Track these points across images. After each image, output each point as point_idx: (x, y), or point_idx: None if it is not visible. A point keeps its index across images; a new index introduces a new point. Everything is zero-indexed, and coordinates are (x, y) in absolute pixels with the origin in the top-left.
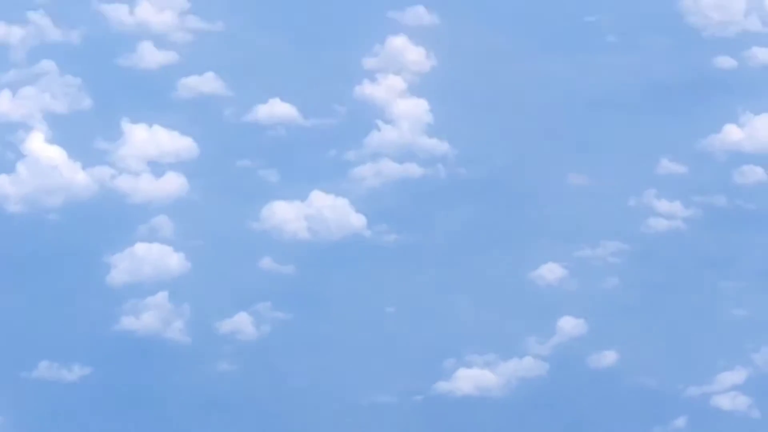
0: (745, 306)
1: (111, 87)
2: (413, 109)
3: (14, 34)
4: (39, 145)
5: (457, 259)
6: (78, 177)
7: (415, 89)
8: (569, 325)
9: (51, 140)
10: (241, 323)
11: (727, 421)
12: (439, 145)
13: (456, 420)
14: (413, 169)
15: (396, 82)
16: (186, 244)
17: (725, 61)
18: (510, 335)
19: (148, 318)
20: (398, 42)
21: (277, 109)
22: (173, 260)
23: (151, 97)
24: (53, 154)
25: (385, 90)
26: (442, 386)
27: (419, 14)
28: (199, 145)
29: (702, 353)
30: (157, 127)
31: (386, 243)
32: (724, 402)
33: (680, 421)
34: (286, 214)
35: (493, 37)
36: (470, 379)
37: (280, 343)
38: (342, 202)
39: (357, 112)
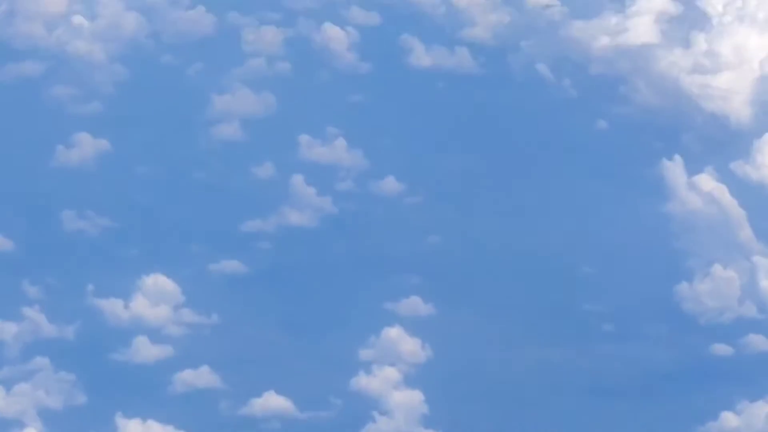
0: None
1: (105, 382)
2: (409, 401)
3: (8, 330)
4: None
5: None
6: None
7: (410, 380)
8: None
9: None
10: None
11: None
12: None
13: None
14: None
15: (391, 373)
16: None
17: (721, 349)
18: None
19: None
20: (394, 333)
21: (272, 402)
22: None
23: (146, 392)
24: None
25: (381, 382)
26: None
27: (415, 305)
28: None
29: None
30: (151, 422)
31: None
32: None
33: None
34: None
35: (489, 326)
36: None
37: None
38: None
39: (352, 404)
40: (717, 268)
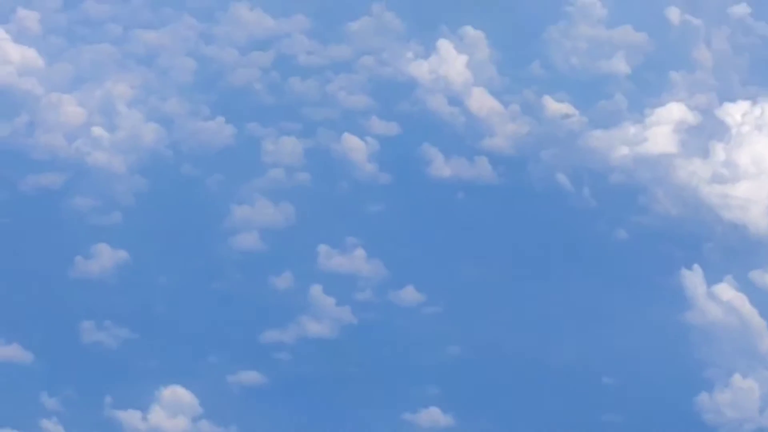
0: None
1: None
2: None
3: None
4: None
5: None
6: None
7: None
8: None
9: None
10: None
11: None
12: None
13: None
14: None
15: None
16: None
17: None
18: None
19: None
20: None
21: None
22: None
23: None
24: None
25: None
26: None
27: (434, 416)
28: None
29: None
30: None
31: None
32: None
33: None
34: None
35: None
36: None
37: None
38: None
39: None
40: (737, 378)
